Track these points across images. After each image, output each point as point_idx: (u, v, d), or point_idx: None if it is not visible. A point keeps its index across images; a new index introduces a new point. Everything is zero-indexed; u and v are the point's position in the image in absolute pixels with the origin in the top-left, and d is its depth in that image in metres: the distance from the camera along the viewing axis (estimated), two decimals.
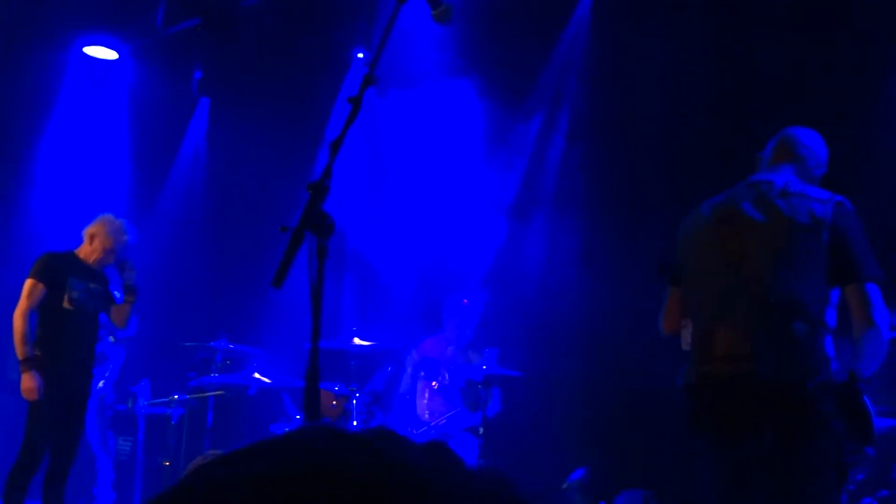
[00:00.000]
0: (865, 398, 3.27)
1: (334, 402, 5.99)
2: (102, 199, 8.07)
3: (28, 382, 5.52)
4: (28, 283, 5.73)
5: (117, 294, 6.06)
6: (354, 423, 5.82)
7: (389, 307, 7.53)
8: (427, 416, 6.36)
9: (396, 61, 6.03)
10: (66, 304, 5.76)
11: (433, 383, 6.42)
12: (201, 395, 6.81)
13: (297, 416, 5.99)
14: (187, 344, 7.01)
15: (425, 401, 6.42)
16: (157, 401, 7.19)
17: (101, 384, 7.22)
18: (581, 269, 6.68)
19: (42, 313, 5.74)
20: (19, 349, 5.58)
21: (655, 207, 6.25)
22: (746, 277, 3.39)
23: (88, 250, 5.89)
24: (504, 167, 7.28)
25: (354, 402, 5.94)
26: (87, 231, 5.93)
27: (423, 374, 6.49)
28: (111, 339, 7.23)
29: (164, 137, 9.04)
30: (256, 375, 6.39)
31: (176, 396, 6.94)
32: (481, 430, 5.78)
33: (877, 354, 3.27)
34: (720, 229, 3.52)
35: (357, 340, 6.15)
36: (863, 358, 3.26)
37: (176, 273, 8.25)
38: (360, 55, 7.72)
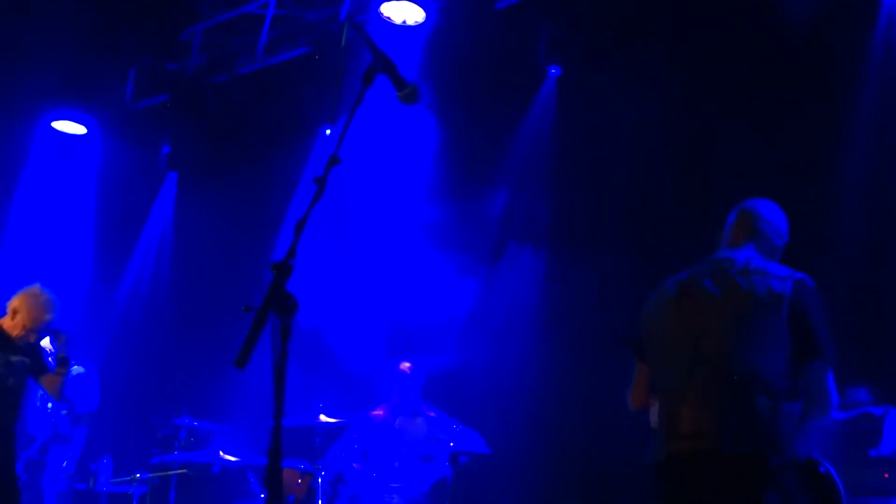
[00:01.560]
0: (833, 472, 3.27)
1: (299, 480, 5.88)
2: (66, 273, 7.98)
3: None
4: None
5: (49, 363, 5.76)
6: (319, 502, 5.72)
7: (354, 381, 7.46)
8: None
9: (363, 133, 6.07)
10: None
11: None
12: (164, 473, 6.67)
13: (262, 495, 5.88)
14: (151, 420, 6.90)
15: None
16: (119, 479, 7.02)
17: (64, 464, 7.06)
18: (543, 337, 6.66)
19: None
20: None
21: (619, 275, 6.27)
22: (707, 353, 3.40)
23: (10, 324, 5.61)
24: (468, 230, 7.30)
25: (320, 480, 5.84)
26: (10, 304, 5.66)
27: (374, 446, 6.40)
28: (63, 412, 7.09)
29: (131, 211, 9.00)
30: (221, 453, 6.28)
31: (138, 475, 6.79)
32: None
33: (819, 425, 3.34)
34: (682, 305, 3.54)
35: (323, 417, 6.09)
36: (806, 434, 3.30)
37: (139, 349, 8.16)
38: (328, 132, 7.77)
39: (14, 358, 5.58)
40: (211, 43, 8.48)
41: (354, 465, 6.34)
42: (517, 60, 7.15)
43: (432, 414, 6.42)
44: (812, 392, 3.31)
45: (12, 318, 5.60)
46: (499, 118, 7.42)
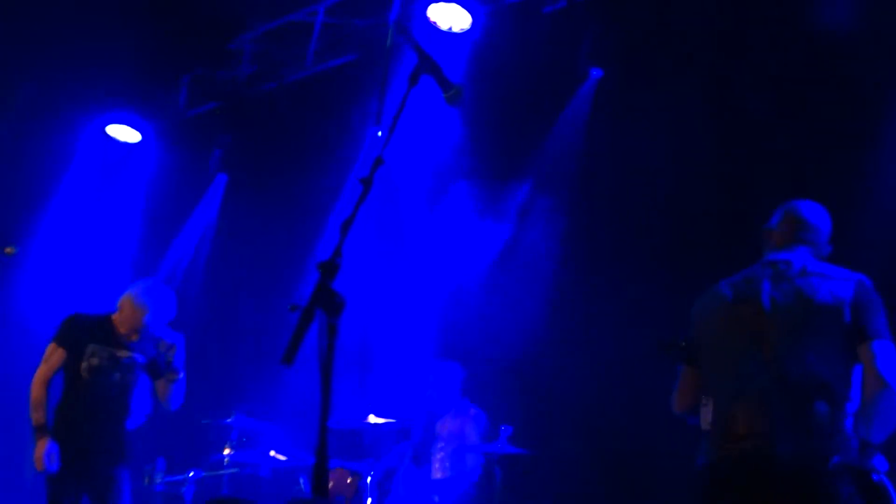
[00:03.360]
0: (886, 481, 3.16)
1: (349, 480, 5.89)
2: (109, 272, 8.03)
3: (36, 451, 5.14)
4: (48, 346, 5.46)
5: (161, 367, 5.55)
6: (369, 500, 5.71)
7: (404, 383, 7.46)
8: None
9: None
10: (82, 372, 5.38)
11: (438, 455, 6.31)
12: (216, 472, 6.71)
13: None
14: (203, 421, 6.95)
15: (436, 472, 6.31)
16: (172, 478, 7.08)
17: None
18: (582, 342, 6.59)
19: (64, 380, 5.41)
20: (31, 415, 5.26)
21: (656, 281, 6.19)
22: (767, 357, 3.30)
23: (118, 320, 5.53)
24: (497, 236, 7.26)
25: (369, 479, 5.84)
26: (119, 299, 5.58)
27: (425, 448, 6.39)
28: None
29: (178, 214, 9.02)
30: (272, 453, 6.31)
31: (191, 473, 6.84)
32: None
33: (889, 417, 3.15)
34: (740, 309, 3.45)
35: (372, 418, 6.08)
36: (874, 420, 3.15)
37: (190, 350, 8.18)
38: (379, 133, 7.75)
39: (121, 354, 5.47)
40: (260, 52, 8.55)
41: (403, 465, 6.35)
42: (559, 62, 7.09)
43: (472, 412, 6.38)
44: (867, 373, 3.18)
45: (120, 315, 5.55)
46: (535, 117, 7.36)
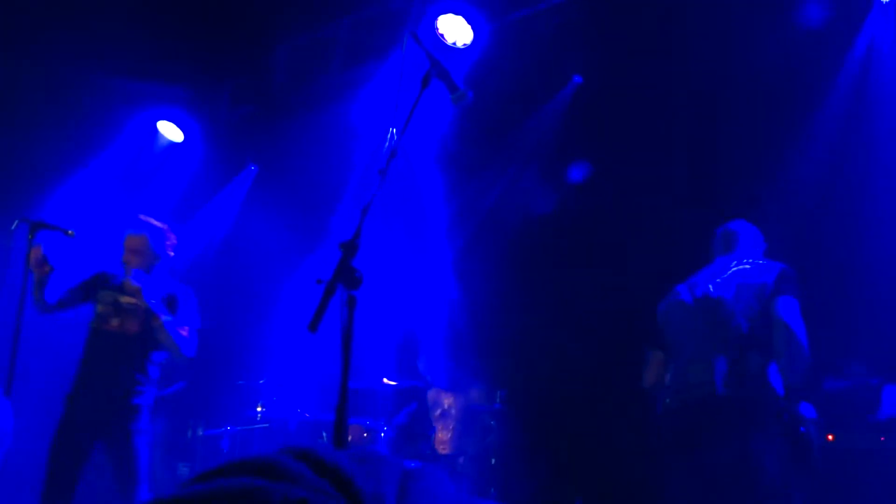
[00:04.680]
0: (813, 433, 3.43)
1: (364, 435, 5.86)
2: None
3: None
4: None
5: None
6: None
7: (417, 349, 7.41)
8: (442, 448, 6.22)
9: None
10: (92, 322, 4.66)
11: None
12: (249, 427, 6.70)
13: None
14: (238, 382, 6.94)
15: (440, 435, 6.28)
16: (211, 432, 7.07)
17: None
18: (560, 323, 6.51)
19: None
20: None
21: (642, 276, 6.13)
22: (713, 329, 3.72)
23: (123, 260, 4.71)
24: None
25: (382, 435, 5.81)
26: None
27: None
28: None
29: (206, 200, 8.88)
30: (298, 410, 6.29)
31: (228, 428, 6.83)
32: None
33: (796, 358, 3.45)
34: (695, 302, 3.87)
35: (385, 380, 6.06)
36: (786, 361, 3.47)
37: (229, 321, 8.07)
38: (393, 129, 7.67)
39: (124, 299, 4.65)
40: (292, 61, 8.50)
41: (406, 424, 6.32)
42: (545, 70, 7.01)
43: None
44: (777, 320, 3.52)
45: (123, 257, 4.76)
46: (519, 115, 7.29)
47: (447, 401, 6.28)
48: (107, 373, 4.55)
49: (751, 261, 3.84)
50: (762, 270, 3.72)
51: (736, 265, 3.85)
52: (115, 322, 4.61)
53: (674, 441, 3.71)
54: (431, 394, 6.41)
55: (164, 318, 4.61)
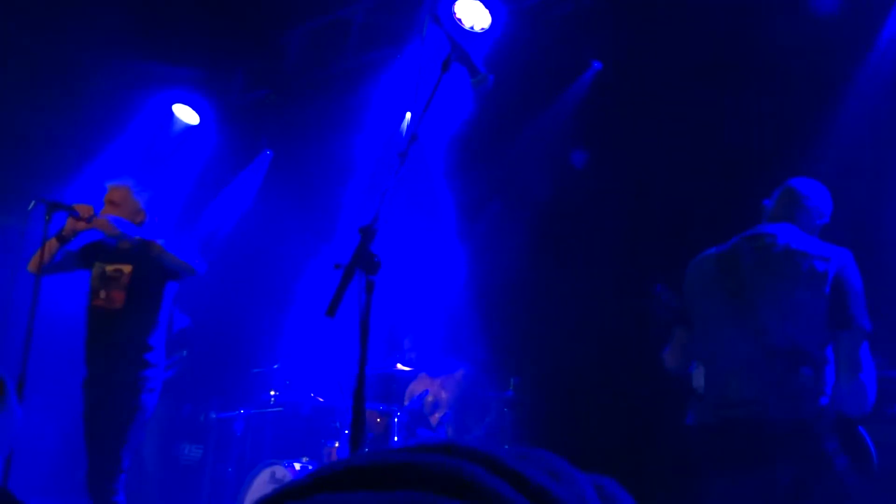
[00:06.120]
0: (863, 431, 3.12)
1: (378, 420, 5.85)
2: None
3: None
4: None
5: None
6: (395, 438, 5.68)
7: (432, 335, 7.38)
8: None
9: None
10: (87, 299, 4.60)
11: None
12: (262, 410, 6.71)
13: (346, 432, 5.86)
14: (254, 370, 6.96)
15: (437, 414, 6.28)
16: (225, 415, 7.09)
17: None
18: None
19: None
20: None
21: (655, 256, 6.07)
22: (753, 329, 3.19)
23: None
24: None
25: (396, 419, 5.80)
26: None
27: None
28: None
29: (221, 184, 8.84)
30: (312, 395, 6.29)
31: (241, 411, 6.85)
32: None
33: (860, 403, 3.07)
34: (725, 282, 3.32)
35: (400, 366, 6.05)
36: (846, 405, 3.07)
37: (245, 310, 8.05)
38: (409, 114, 7.61)
39: (111, 269, 4.56)
40: (306, 45, 8.45)
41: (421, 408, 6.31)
42: (565, 57, 6.94)
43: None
44: (840, 358, 3.10)
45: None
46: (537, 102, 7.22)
47: (433, 386, 6.29)
48: (104, 353, 4.50)
49: (808, 242, 3.24)
50: (818, 260, 3.14)
51: (790, 245, 3.21)
52: (102, 296, 4.51)
53: (714, 461, 3.25)
54: (414, 384, 6.40)
55: (159, 241, 4.49)
